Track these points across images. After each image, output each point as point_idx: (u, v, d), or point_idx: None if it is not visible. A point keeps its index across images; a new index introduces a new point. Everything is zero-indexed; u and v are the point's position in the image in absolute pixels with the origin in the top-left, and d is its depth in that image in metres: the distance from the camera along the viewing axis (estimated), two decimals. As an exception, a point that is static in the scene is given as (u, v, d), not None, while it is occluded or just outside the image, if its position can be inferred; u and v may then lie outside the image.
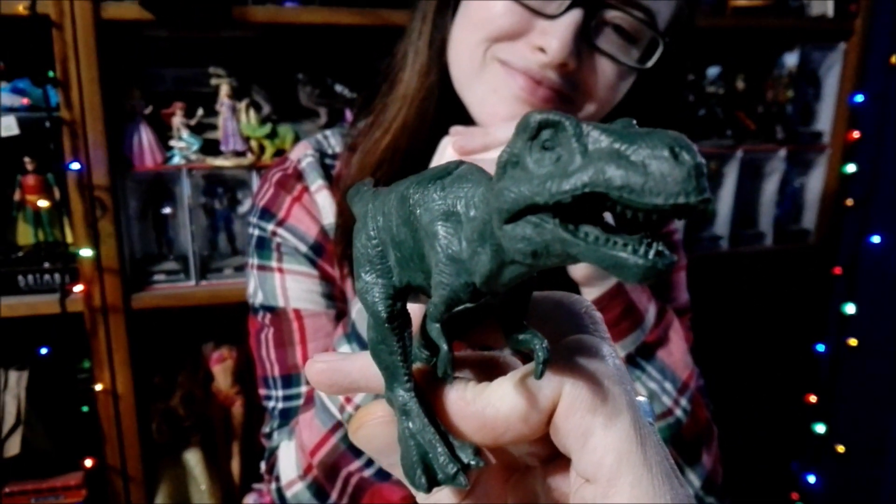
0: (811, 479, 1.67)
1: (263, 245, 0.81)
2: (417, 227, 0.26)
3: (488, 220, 0.23)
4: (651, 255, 0.19)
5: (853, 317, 1.56)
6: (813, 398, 1.65)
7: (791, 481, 1.72)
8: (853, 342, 1.56)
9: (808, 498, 1.69)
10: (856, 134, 1.50)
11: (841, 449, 1.62)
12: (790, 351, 1.66)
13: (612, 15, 0.65)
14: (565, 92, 0.66)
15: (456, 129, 0.68)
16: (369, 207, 0.30)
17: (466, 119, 0.71)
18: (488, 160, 0.33)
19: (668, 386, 0.69)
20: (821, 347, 1.63)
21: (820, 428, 1.63)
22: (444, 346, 0.25)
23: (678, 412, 0.69)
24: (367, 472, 0.70)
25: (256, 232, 0.82)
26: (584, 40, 0.64)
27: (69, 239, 1.18)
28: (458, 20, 0.69)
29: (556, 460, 0.27)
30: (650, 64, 0.67)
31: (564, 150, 0.20)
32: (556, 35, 0.62)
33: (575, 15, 0.62)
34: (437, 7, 0.71)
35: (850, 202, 1.54)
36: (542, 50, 0.63)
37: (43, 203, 1.18)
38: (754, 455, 1.69)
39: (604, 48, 0.65)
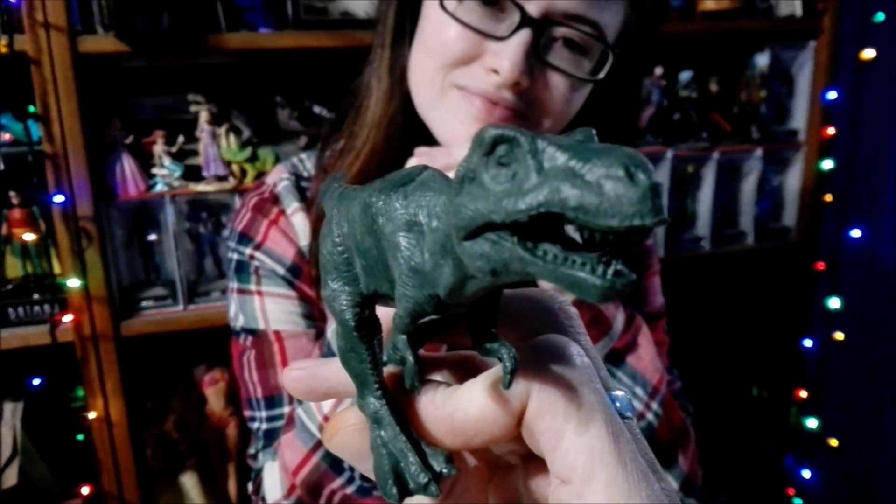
0: (806, 473, 1.67)
1: (242, 269, 0.82)
2: (381, 237, 0.25)
3: (450, 233, 0.22)
4: (609, 274, 0.18)
5: (838, 311, 1.57)
6: (803, 394, 1.66)
7: (786, 477, 1.73)
8: (840, 336, 1.58)
9: (804, 493, 1.70)
10: (830, 130, 1.51)
11: (834, 442, 1.62)
12: (777, 348, 1.67)
13: (561, 31, 0.66)
14: (521, 110, 0.67)
15: (420, 151, 0.70)
16: (334, 212, 0.29)
17: (432, 139, 0.73)
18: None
19: (638, 391, 0.71)
20: (808, 343, 1.64)
21: (812, 423, 1.64)
22: (411, 359, 0.25)
23: (649, 416, 0.71)
24: (350, 489, 0.71)
25: (235, 256, 0.83)
26: (535, 58, 0.65)
27: (57, 270, 1.20)
28: (415, 48, 0.71)
29: (537, 459, 0.26)
30: (602, 75, 0.69)
31: (520, 167, 0.20)
32: (507, 56, 0.63)
33: (524, 35, 0.63)
34: (394, 35, 0.72)
35: (828, 197, 1.55)
36: (495, 71, 0.64)
37: (29, 236, 1.19)
38: (747, 452, 1.69)
39: (555, 63, 0.67)
